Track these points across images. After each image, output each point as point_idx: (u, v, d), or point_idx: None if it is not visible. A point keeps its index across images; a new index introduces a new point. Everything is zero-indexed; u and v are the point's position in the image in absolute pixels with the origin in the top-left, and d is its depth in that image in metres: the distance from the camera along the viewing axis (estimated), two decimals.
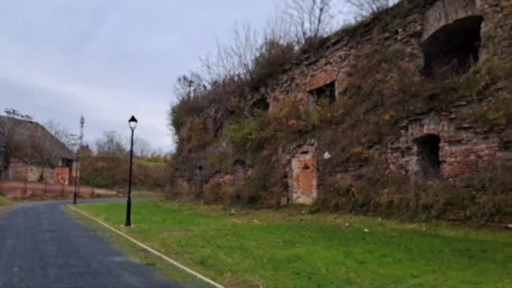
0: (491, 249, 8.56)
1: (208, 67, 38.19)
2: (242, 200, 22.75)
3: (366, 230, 11.93)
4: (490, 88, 11.50)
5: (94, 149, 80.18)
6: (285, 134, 20.63)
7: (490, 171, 10.94)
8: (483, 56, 12.32)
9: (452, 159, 12.27)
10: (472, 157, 11.67)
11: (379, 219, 13.43)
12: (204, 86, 37.22)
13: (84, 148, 70.15)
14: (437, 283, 6.25)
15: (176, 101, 39.71)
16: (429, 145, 13.86)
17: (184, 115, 35.75)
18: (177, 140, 39.26)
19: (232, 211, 20.63)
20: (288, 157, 20.41)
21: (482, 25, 12.63)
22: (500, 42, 11.82)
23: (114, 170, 64.51)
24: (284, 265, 7.77)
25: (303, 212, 17.41)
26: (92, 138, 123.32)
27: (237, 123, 25.51)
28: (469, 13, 13.60)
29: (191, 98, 38.29)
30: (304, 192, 19.36)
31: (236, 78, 29.14)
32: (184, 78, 39.78)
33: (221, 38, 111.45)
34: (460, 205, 11.28)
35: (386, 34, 16.54)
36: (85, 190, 50.92)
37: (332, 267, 7.52)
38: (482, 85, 11.66)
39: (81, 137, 51.53)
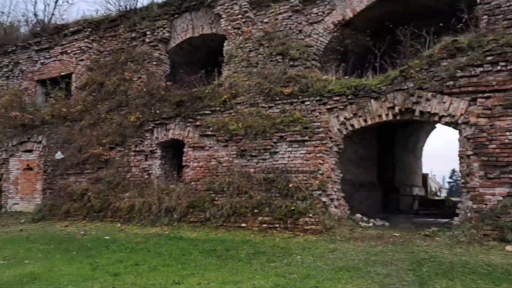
0: (233, 247, 9.24)
1: None
2: None
3: (107, 237, 10.93)
4: (231, 101, 12.70)
5: None
6: (3, 128, 17.01)
7: (228, 176, 12.00)
8: (225, 72, 13.54)
9: (195, 164, 12.86)
10: (214, 162, 12.55)
11: (118, 224, 12.67)
12: None
13: None
14: (202, 287, 6.16)
15: None
16: (173, 150, 14.17)
17: None
18: None
19: None
20: (4, 156, 16.86)
21: (225, 43, 13.90)
22: (240, 61, 13.26)
23: None
24: None
25: (23, 221, 14.67)
26: None
27: None
28: (214, 30, 14.76)
29: None
30: (24, 197, 16.38)
31: None
32: None
33: None
34: (201, 207, 11.87)
35: (134, 34, 16.06)
36: None
37: (83, 284, 6.37)
38: (224, 98, 12.74)
39: None
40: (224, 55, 13.82)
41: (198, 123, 13.09)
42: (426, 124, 20.92)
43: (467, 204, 9.08)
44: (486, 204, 8.73)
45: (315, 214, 10.21)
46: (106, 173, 14.23)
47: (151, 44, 15.60)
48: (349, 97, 10.95)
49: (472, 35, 9.78)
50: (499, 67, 9.11)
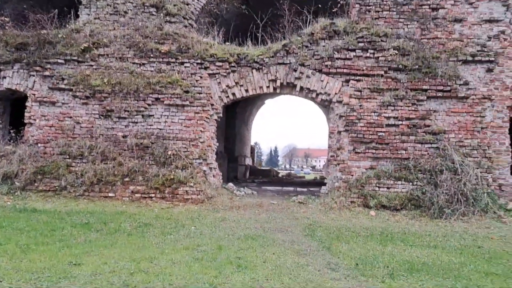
0: (109, 220, 8.09)
1: None
2: None
3: None
4: (92, 51, 10.91)
5: None
6: None
7: (89, 138, 10.38)
8: (84, 16, 11.49)
9: (44, 123, 10.67)
10: (69, 122, 10.64)
11: None
12: None
13: None
14: (112, 266, 5.18)
15: None
16: (10, 103, 11.44)
17: None
18: None
19: None
20: None
21: None
22: (104, 7, 11.43)
23: None
24: None
25: None
26: None
27: None
28: None
29: None
30: None
31: None
32: None
33: None
34: (54, 174, 9.99)
35: None
36: None
37: None
38: (84, 47, 10.86)
39: None
40: None
41: (47, 73, 10.84)
42: (257, 99, 22.37)
43: (336, 175, 10.08)
44: (352, 175, 9.85)
45: (197, 184, 9.77)
46: None
47: None
48: (232, 64, 10.70)
49: (346, 21, 10.68)
50: (368, 54, 10.24)
